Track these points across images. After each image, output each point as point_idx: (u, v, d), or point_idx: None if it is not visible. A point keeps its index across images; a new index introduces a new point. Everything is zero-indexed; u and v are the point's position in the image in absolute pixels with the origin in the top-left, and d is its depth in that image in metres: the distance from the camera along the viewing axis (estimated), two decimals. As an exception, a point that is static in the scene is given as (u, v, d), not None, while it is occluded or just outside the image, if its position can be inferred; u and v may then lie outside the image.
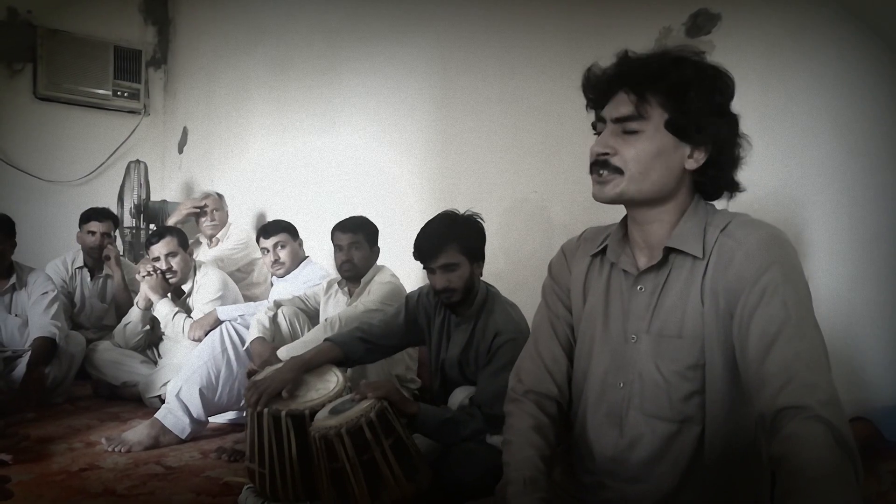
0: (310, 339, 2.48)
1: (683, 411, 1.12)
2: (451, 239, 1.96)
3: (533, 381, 1.27)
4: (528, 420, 1.22)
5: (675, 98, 1.09)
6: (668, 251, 1.15)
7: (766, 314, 1.02)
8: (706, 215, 1.15)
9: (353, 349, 2.10)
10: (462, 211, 2.06)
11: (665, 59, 1.12)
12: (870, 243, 1.86)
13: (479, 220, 2.06)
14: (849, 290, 1.89)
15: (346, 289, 2.78)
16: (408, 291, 2.32)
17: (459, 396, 1.98)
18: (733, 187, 1.18)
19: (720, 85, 1.13)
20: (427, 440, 1.86)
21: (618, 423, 1.18)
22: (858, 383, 1.86)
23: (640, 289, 1.18)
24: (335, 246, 2.71)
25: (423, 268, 2.03)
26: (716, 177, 1.15)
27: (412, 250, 2.01)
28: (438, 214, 2.06)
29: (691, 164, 1.13)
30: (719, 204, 1.20)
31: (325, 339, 2.15)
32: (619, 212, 1.23)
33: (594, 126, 1.20)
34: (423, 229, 2.02)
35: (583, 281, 1.27)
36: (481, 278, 2.09)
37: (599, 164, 1.14)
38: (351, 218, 2.75)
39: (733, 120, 1.15)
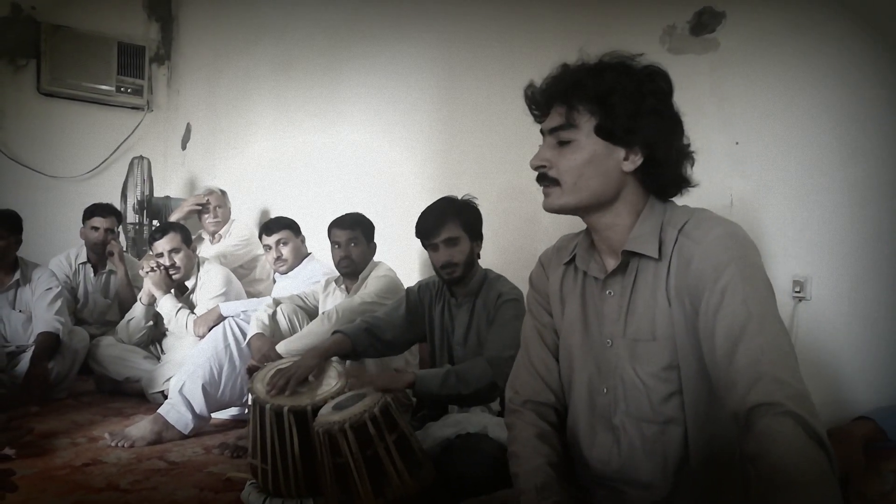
0: (307, 332, 2.50)
1: (664, 413, 1.13)
2: (452, 215, 2.07)
3: (529, 392, 1.29)
4: (530, 429, 1.23)
5: (601, 104, 1.11)
6: (628, 255, 1.16)
7: (728, 314, 1.02)
8: (663, 214, 1.16)
9: (360, 341, 2.14)
10: (460, 196, 2.15)
11: (589, 68, 1.15)
12: (871, 242, 1.86)
13: (476, 203, 2.16)
14: (851, 288, 1.89)
15: (343, 286, 2.79)
16: (406, 287, 2.35)
17: None
18: (682, 183, 1.18)
19: (650, 86, 1.13)
20: (429, 437, 1.85)
21: (609, 428, 1.19)
22: (861, 383, 1.86)
23: (610, 293, 1.19)
24: (333, 243, 2.73)
25: (425, 246, 2.10)
26: (658, 175, 1.15)
27: (414, 232, 2.10)
28: (439, 199, 2.15)
29: (628, 166, 1.14)
30: (677, 201, 1.20)
31: (335, 332, 2.18)
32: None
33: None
34: (424, 210, 2.12)
35: (559, 289, 1.29)
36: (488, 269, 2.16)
37: (541, 177, 1.18)
38: (348, 214, 2.76)
39: (671, 117, 1.15)
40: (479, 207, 2.17)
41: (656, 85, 1.14)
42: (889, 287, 1.84)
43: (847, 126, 1.90)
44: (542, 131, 1.20)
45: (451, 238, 2.05)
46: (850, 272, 1.90)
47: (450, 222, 2.06)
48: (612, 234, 1.18)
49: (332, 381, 1.97)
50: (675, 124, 1.16)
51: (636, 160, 1.13)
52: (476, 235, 2.12)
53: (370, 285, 2.63)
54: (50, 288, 3.16)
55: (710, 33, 2.15)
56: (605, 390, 1.19)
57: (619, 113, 1.11)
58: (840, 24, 1.91)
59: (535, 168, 1.18)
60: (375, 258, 2.80)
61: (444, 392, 1.86)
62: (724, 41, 2.12)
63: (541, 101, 1.20)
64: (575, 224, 1.37)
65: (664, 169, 1.15)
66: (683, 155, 1.17)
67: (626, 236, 1.16)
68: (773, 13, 2.03)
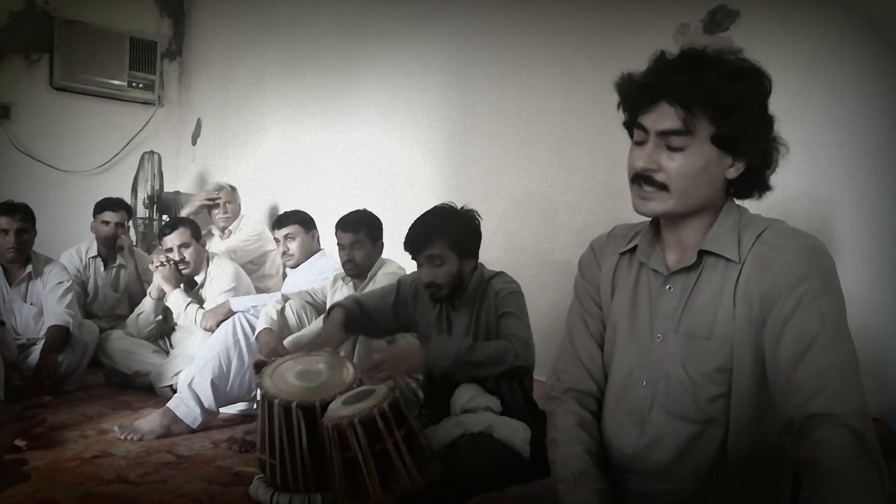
0: (315, 328, 2.50)
1: (708, 413, 1.11)
2: (440, 232, 1.94)
3: (571, 380, 1.27)
4: (571, 417, 1.22)
5: (724, 112, 1.06)
6: (702, 253, 1.14)
7: (801, 322, 1.01)
8: (740, 217, 1.14)
9: (352, 312, 2.10)
10: (460, 205, 2.04)
11: (713, 70, 1.07)
12: (889, 244, 1.85)
13: (476, 217, 2.04)
14: (867, 290, 1.87)
15: (350, 284, 2.78)
16: (399, 277, 2.29)
17: (464, 398, 1.92)
18: (766, 188, 1.17)
19: (763, 90, 1.10)
20: (434, 439, 1.83)
21: (639, 422, 1.17)
22: (873, 384, 1.84)
23: (669, 288, 1.17)
24: (338, 244, 2.69)
25: (412, 258, 2.02)
26: (753, 181, 1.14)
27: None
28: (433, 207, 2.05)
29: (732, 174, 1.12)
30: (748, 202, 1.19)
31: (332, 306, 2.15)
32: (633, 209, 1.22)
33: (625, 127, 1.18)
34: (415, 221, 2.02)
35: (611, 278, 1.27)
36: (481, 263, 2.08)
37: (642, 179, 1.11)
38: (352, 214, 2.71)
39: (771, 122, 1.13)
40: (485, 215, 2.06)
41: (766, 88, 1.10)
42: (894, 290, 1.82)
43: (865, 126, 1.88)
44: (639, 125, 1.12)
45: (434, 256, 1.94)
46: (866, 273, 1.88)
47: (436, 239, 1.93)
48: (690, 230, 1.16)
49: (342, 376, 1.97)
50: (772, 128, 1.13)
51: (740, 167, 1.11)
52: (466, 253, 1.98)
53: (379, 283, 2.61)
54: (61, 282, 3.18)
55: (723, 32, 2.14)
56: (644, 383, 1.17)
57: (739, 123, 1.06)
58: (855, 25, 1.89)
59: (642, 171, 1.11)
60: (385, 256, 2.79)
61: (463, 368, 1.81)
62: (739, 40, 2.10)
63: (643, 97, 1.11)
64: (584, 225, 1.37)
65: (761, 174, 1.13)
66: (776, 161, 1.15)
67: (701, 234, 1.14)
68: (789, 12, 2.01)
